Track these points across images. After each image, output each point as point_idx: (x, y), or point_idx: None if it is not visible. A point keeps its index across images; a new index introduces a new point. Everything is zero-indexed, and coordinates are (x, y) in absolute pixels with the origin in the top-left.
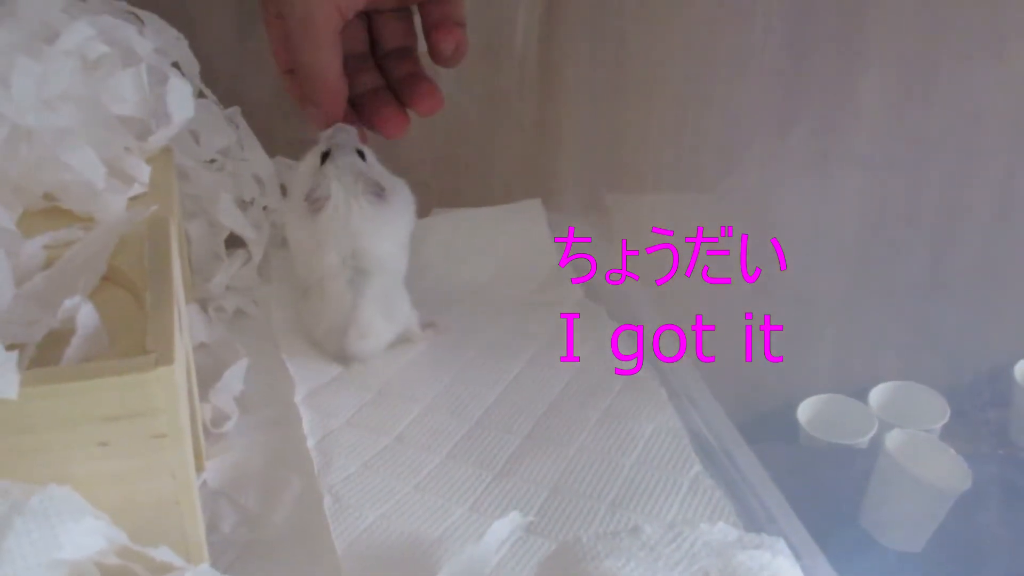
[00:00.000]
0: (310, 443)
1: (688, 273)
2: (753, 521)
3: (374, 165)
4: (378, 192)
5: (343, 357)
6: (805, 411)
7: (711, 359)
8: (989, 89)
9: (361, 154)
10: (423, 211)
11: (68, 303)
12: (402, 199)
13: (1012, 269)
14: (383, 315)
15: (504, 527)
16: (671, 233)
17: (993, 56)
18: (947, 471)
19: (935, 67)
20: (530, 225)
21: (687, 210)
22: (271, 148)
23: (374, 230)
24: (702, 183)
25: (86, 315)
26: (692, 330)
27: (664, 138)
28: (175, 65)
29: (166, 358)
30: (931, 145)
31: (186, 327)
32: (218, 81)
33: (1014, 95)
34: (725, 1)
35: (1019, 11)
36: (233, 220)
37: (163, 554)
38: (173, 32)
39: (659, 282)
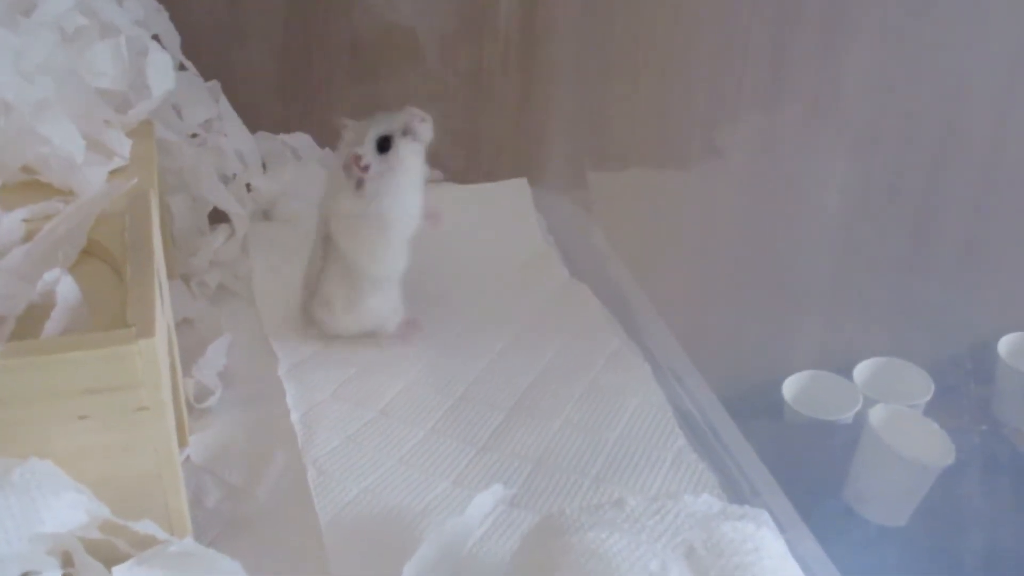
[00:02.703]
0: (294, 417)
1: (672, 250)
2: (737, 495)
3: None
4: (360, 180)
5: (311, 321)
6: (790, 387)
7: (696, 335)
8: (973, 66)
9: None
10: None
11: (48, 276)
12: (397, 216)
13: (995, 245)
14: (343, 300)
15: (487, 500)
16: (655, 210)
17: (977, 33)
18: (931, 446)
19: (919, 44)
20: (516, 204)
21: (671, 187)
22: (256, 122)
23: (339, 204)
24: (686, 160)
25: (66, 288)
26: (676, 307)
27: (648, 115)
28: (155, 37)
29: (147, 331)
30: (915, 122)
31: (167, 300)
32: (201, 54)
33: (998, 72)
34: None
35: None
36: (217, 195)
37: (146, 527)
38: (153, 3)
39: (643, 259)
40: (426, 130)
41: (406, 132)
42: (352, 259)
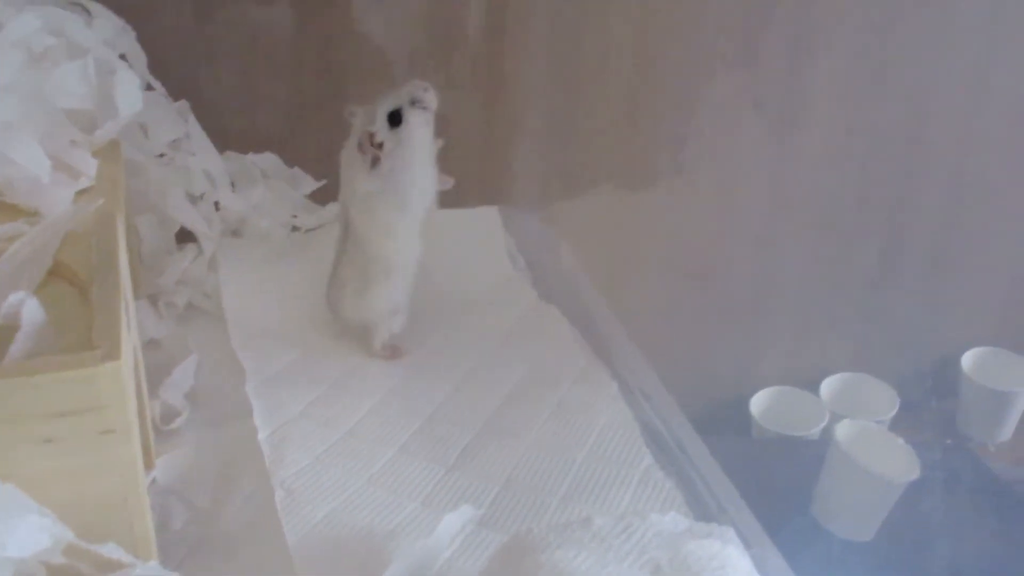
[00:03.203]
0: (261, 436)
1: (640, 267)
2: (704, 512)
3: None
4: (376, 158)
5: (331, 307)
6: (758, 403)
7: (663, 352)
8: (938, 84)
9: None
10: None
11: (13, 298)
12: (413, 190)
13: (960, 261)
14: (355, 285)
15: (456, 521)
16: (622, 227)
17: (942, 51)
18: (896, 461)
19: (885, 61)
20: (486, 232)
21: (639, 204)
22: (224, 142)
23: (360, 187)
24: (654, 178)
25: (31, 310)
26: (644, 324)
27: (617, 133)
28: (123, 57)
29: (113, 353)
30: (881, 139)
31: (133, 322)
32: (169, 74)
33: (962, 90)
34: None
35: (967, 6)
36: (184, 214)
37: (111, 551)
38: (120, 23)
39: (610, 276)
40: (431, 97)
41: (413, 102)
42: (368, 240)
